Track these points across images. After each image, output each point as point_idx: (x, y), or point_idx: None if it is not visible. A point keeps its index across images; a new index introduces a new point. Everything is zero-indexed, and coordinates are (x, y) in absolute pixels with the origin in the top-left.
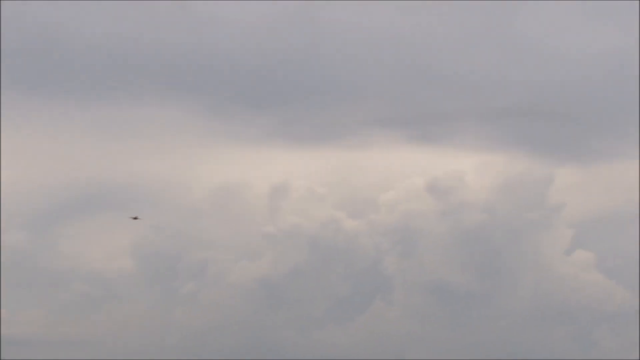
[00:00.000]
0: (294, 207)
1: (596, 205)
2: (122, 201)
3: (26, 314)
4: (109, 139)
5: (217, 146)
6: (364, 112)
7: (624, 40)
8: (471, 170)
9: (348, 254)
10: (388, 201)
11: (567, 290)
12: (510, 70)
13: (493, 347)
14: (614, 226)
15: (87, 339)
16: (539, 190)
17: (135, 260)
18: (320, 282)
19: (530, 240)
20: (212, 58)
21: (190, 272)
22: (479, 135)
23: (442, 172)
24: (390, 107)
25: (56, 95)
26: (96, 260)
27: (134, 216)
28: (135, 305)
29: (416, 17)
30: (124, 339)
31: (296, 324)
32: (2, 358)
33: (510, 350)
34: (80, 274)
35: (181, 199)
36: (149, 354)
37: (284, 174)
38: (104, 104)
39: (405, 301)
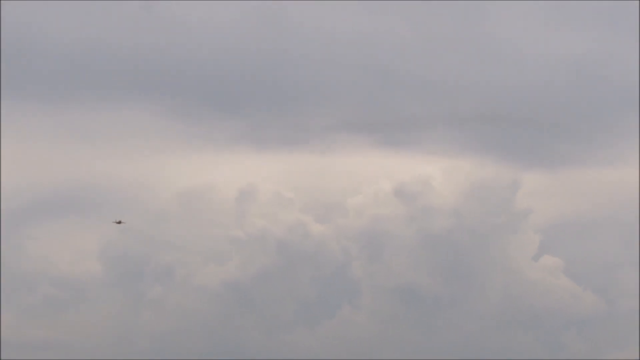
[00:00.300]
0: (261, 211)
1: (563, 211)
2: (89, 204)
3: None
4: (75, 142)
5: (185, 149)
6: (332, 116)
7: (590, 45)
8: (439, 175)
9: (315, 258)
10: (356, 205)
11: (534, 295)
12: (477, 75)
13: (461, 351)
14: (581, 231)
15: (54, 342)
16: (506, 195)
17: (102, 263)
18: (287, 286)
19: (498, 245)
20: (179, 60)
21: (158, 276)
22: (446, 140)
23: (409, 176)
24: (358, 111)
25: (21, 98)
26: (63, 263)
27: (118, 220)
28: (102, 308)
29: (384, 21)
30: (91, 342)
31: (264, 327)
32: None
33: (478, 355)
34: (48, 277)
35: (148, 202)
36: (116, 358)
37: (252, 177)
38: (70, 106)
39: (373, 305)
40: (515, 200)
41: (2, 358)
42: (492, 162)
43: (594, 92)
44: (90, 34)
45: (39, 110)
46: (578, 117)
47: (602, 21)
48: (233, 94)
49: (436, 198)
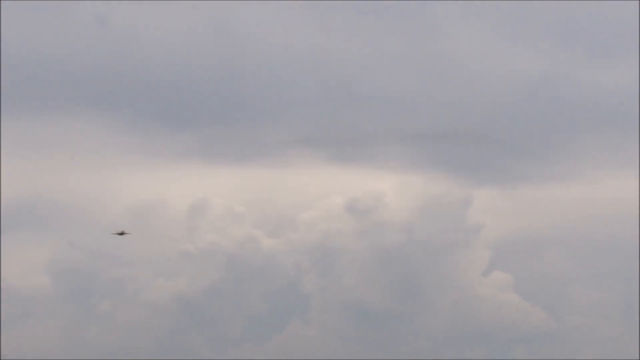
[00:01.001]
0: (212, 226)
1: (514, 227)
2: (39, 217)
3: None
4: (26, 154)
5: (136, 163)
6: (284, 131)
7: (544, 63)
8: (391, 190)
9: (266, 272)
10: (307, 220)
11: (484, 310)
12: (431, 92)
13: None
14: (531, 248)
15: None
16: (458, 211)
17: (51, 277)
18: (237, 300)
19: (449, 260)
20: (132, 74)
21: (107, 290)
22: (398, 156)
23: (361, 192)
24: (310, 126)
25: None
26: (11, 277)
27: (120, 232)
28: (50, 322)
29: (339, 37)
30: (40, 356)
31: (213, 342)
32: None
33: None
34: None
35: (98, 216)
36: None
37: (203, 192)
38: (21, 119)
39: (323, 320)
40: (466, 216)
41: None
42: (444, 178)
43: (546, 110)
44: (44, 46)
45: None
46: (531, 135)
47: (555, 41)
48: (185, 108)
49: (388, 213)
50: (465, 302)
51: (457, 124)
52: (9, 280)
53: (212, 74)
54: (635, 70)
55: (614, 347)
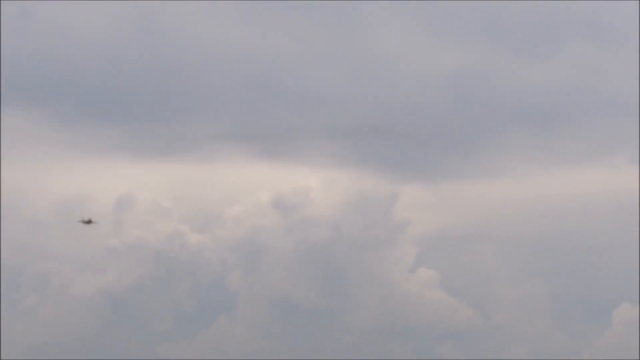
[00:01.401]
0: (138, 220)
1: (440, 224)
2: None
3: None
4: None
5: (62, 157)
6: (210, 126)
7: (470, 60)
8: (317, 186)
9: (193, 268)
10: (234, 216)
11: (410, 307)
12: (357, 88)
13: None
14: (458, 244)
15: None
16: (384, 207)
17: None
18: (164, 296)
19: (375, 257)
20: (58, 67)
21: (32, 285)
22: (325, 152)
23: (288, 187)
24: (237, 121)
25: None
26: None
27: (87, 219)
28: None
29: (265, 33)
30: None
31: (140, 338)
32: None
33: None
34: None
35: (24, 210)
36: None
37: (129, 186)
38: None
39: (249, 316)
40: (393, 213)
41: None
42: (370, 174)
43: (473, 107)
44: None
45: None
46: (457, 131)
47: (481, 38)
48: (112, 102)
49: (314, 209)
50: (391, 298)
51: (384, 120)
52: None
53: (139, 69)
54: (560, 67)
55: (541, 344)
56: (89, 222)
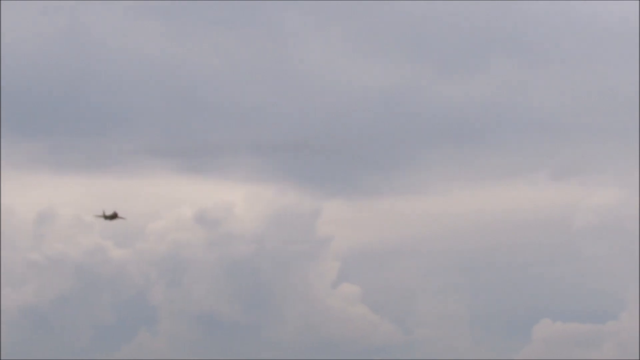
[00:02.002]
0: (60, 234)
1: (363, 239)
2: None
3: None
4: None
5: None
6: (133, 141)
7: (393, 77)
8: (240, 201)
9: (115, 283)
10: (156, 230)
11: (333, 322)
12: (281, 103)
13: None
14: (380, 260)
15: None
16: (307, 222)
17: None
18: (85, 310)
19: (298, 272)
20: None
21: None
22: (249, 167)
23: (211, 202)
24: (160, 136)
25: None
26: None
27: (111, 214)
28: None
29: (189, 46)
30: None
31: (60, 353)
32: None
33: None
34: None
35: None
36: None
37: (51, 200)
38: None
39: (171, 331)
40: (316, 228)
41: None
42: (294, 190)
43: (397, 123)
44: None
45: None
46: (381, 147)
47: (405, 54)
48: (33, 116)
49: (238, 224)
50: (314, 313)
51: (307, 135)
52: None
53: (60, 81)
54: (482, 84)
55: (461, 359)
56: (114, 217)
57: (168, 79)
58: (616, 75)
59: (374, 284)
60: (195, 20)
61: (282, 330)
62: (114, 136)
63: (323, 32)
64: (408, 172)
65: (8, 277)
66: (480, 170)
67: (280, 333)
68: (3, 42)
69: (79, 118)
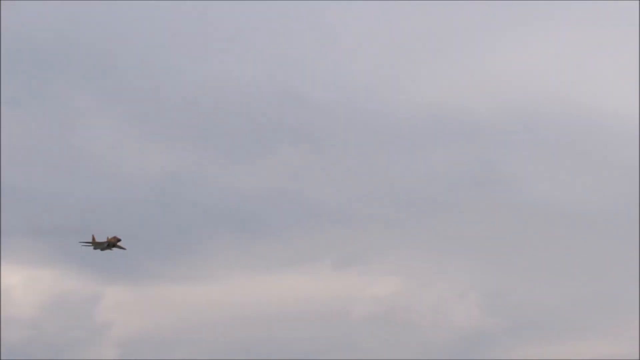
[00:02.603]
0: None
1: (142, 326)
2: None
3: None
4: None
5: None
6: None
7: (178, 162)
8: (19, 285)
9: None
10: None
11: None
12: (63, 186)
13: None
14: (159, 347)
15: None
16: (87, 308)
17: None
18: None
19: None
20: None
21: None
22: (28, 250)
23: None
24: None
25: None
26: None
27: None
28: None
29: None
30: None
31: None
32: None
33: None
34: None
35: None
36: None
37: None
38: None
39: None
40: (95, 313)
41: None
42: (75, 274)
43: (179, 210)
44: None
45: None
46: (162, 233)
47: (190, 140)
48: None
49: (15, 308)
50: None
51: (89, 219)
52: None
53: None
54: (266, 172)
55: None
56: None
57: None
58: (398, 168)
59: None
60: None
61: None
62: None
63: (108, 112)
64: (191, 258)
65: None
66: (262, 258)
67: None
68: None
69: None
